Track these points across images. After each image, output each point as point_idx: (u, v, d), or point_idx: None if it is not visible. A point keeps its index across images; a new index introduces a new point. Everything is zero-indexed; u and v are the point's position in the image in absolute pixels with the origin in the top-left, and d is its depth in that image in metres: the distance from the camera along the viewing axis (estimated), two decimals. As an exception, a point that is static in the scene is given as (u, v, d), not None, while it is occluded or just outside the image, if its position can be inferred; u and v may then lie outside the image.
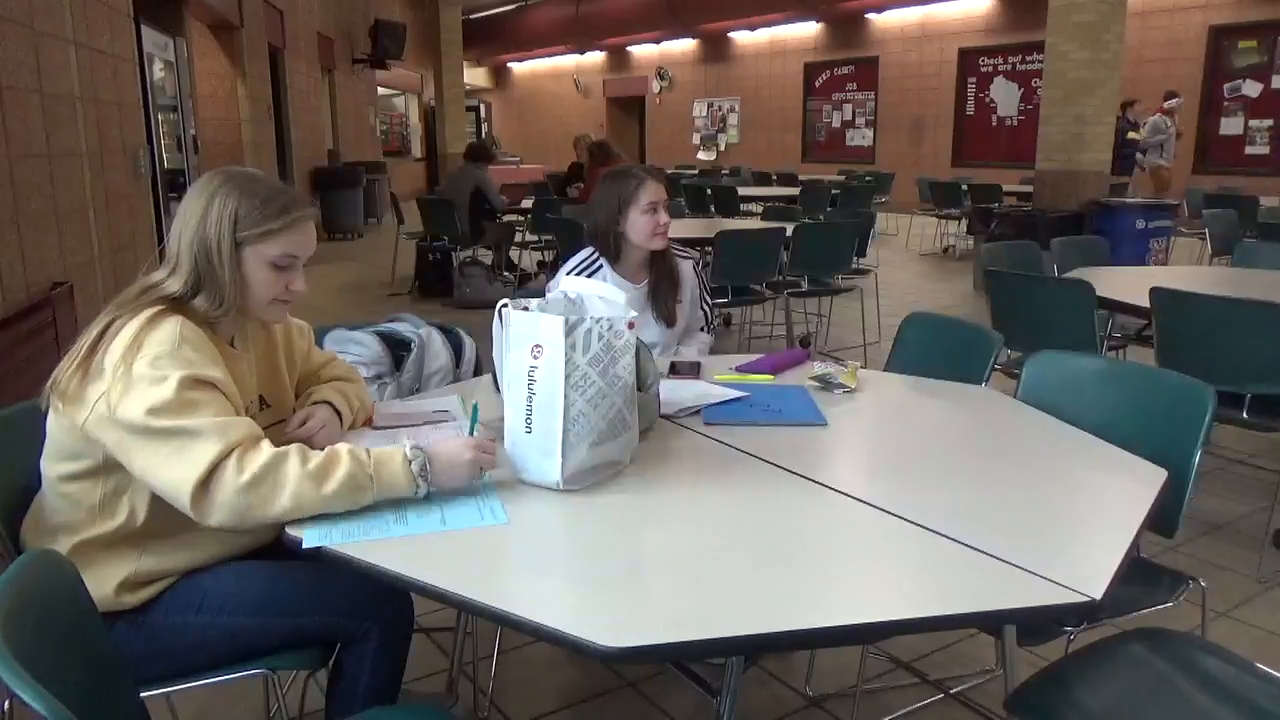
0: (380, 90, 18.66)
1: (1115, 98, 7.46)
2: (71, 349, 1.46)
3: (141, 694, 1.41)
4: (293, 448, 1.41)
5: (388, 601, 1.59)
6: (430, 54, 16.95)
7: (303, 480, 1.37)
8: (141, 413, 1.37)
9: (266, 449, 1.40)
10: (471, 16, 20.83)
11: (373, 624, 1.58)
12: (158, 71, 6.70)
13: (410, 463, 1.43)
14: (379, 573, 1.28)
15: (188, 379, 1.40)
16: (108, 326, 1.45)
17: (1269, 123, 11.84)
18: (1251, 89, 11.94)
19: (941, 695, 2.31)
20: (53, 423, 1.48)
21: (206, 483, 1.36)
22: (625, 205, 2.57)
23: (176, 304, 1.50)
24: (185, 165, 7.30)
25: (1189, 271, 4.61)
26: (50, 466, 1.50)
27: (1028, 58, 14.06)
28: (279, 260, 1.55)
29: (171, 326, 1.44)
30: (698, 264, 2.82)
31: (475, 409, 1.73)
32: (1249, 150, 12.05)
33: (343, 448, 1.43)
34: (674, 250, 2.74)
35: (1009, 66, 14.59)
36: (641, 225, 2.57)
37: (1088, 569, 1.24)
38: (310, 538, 1.35)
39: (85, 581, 1.30)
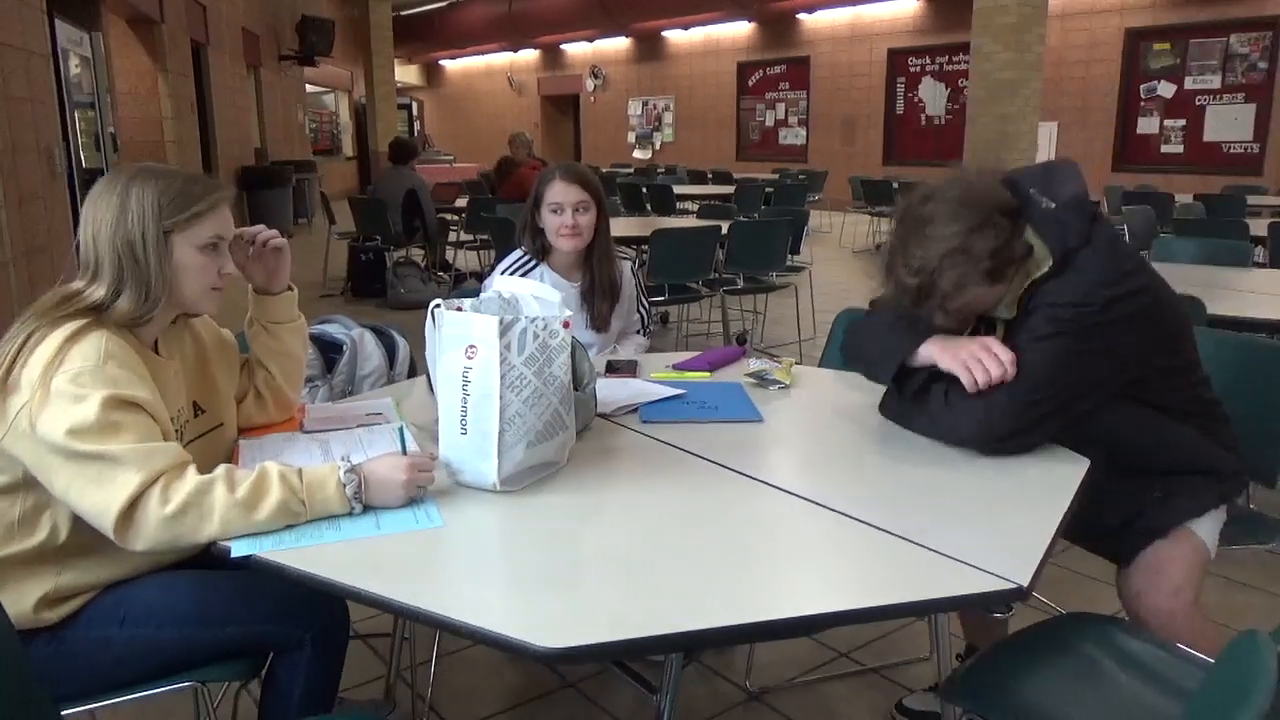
0: (309, 88, 18.31)
1: (1037, 98, 7.67)
2: None
3: (64, 712, 1.36)
4: (220, 473, 1.37)
5: (321, 608, 1.56)
6: (360, 51, 16.69)
7: (230, 508, 1.33)
8: (62, 432, 1.32)
9: (191, 477, 1.35)
10: (402, 13, 20.52)
11: (306, 632, 1.54)
12: (73, 67, 6.48)
13: (344, 486, 1.40)
14: (312, 580, 1.25)
15: (111, 399, 1.35)
16: (27, 339, 1.39)
17: (1182, 123, 12.31)
18: (1166, 90, 12.38)
19: (879, 682, 2.35)
20: (-34, 437, 1.41)
21: (130, 513, 1.31)
22: (539, 200, 2.59)
23: (99, 316, 1.45)
24: (104, 164, 7.06)
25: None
26: (-37, 482, 1.44)
27: (954, 58, 14.38)
28: (209, 242, 1.53)
29: (96, 341, 1.39)
30: (635, 264, 2.81)
31: (403, 432, 1.71)
32: (1164, 149, 12.51)
33: (273, 469, 1.38)
34: (614, 252, 2.72)
35: (936, 67, 14.90)
36: (550, 223, 2.59)
37: (1016, 557, 1.27)
38: (239, 546, 1.31)
39: (1, 599, 1.25)
